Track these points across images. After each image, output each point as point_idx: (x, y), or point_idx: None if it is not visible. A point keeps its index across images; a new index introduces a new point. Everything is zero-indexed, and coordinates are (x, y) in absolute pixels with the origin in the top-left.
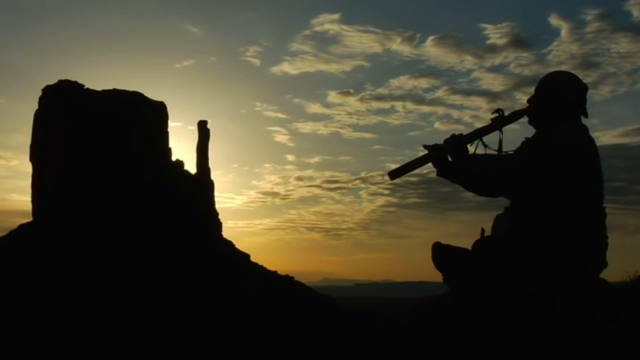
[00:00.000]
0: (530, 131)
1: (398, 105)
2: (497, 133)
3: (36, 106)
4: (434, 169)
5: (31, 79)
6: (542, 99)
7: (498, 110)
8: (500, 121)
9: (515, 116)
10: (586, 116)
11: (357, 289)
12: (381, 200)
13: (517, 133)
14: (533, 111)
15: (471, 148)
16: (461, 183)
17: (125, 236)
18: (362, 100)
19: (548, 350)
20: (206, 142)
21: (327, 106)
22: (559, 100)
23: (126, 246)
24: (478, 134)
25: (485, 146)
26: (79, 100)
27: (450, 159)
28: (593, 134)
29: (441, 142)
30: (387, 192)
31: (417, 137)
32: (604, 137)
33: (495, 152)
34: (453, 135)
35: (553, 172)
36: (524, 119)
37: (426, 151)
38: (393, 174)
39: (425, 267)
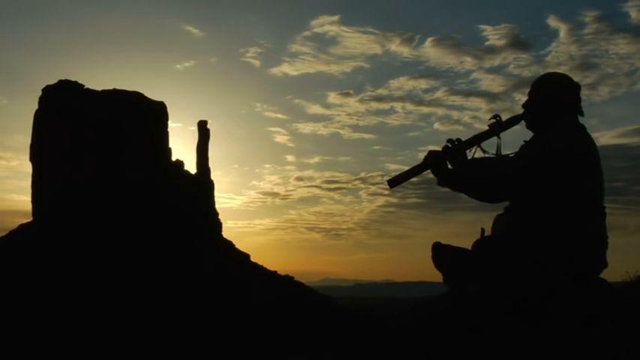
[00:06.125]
0: (529, 134)
1: (397, 106)
2: (495, 138)
3: (36, 106)
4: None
5: (31, 79)
6: (537, 102)
7: (495, 116)
8: (498, 126)
9: (512, 122)
10: (582, 115)
11: (357, 289)
12: (380, 200)
13: (517, 135)
14: (530, 115)
15: (469, 154)
16: (462, 189)
17: (125, 236)
18: (362, 100)
19: (548, 350)
20: (206, 142)
21: (327, 106)
22: (554, 100)
23: (125, 246)
24: (476, 140)
25: (484, 151)
26: (79, 100)
27: (449, 166)
28: (593, 134)
29: (440, 142)
30: (386, 192)
31: (417, 138)
32: (603, 138)
33: (494, 157)
34: (450, 140)
35: (551, 171)
36: (523, 123)
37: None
38: (393, 182)
39: (425, 267)
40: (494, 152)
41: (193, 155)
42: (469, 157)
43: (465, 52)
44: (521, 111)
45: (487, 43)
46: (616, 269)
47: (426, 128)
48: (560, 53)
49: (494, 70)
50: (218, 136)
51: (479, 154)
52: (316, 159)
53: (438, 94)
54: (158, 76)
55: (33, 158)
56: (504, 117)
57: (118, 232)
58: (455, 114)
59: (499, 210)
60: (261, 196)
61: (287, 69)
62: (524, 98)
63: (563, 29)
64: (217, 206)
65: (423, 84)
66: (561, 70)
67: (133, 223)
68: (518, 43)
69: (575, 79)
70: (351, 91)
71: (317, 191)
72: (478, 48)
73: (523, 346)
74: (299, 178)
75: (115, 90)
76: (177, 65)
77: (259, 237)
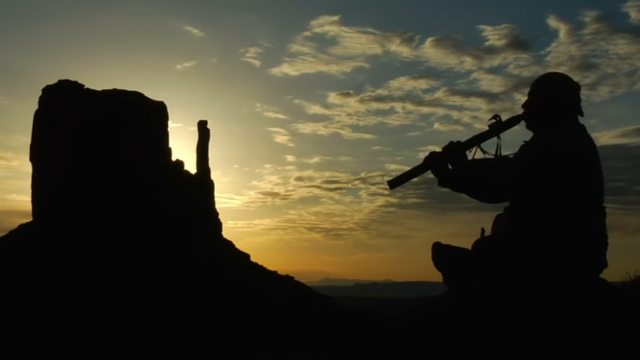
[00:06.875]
0: (529, 134)
1: (397, 106)
2: (495, 138)
3: (36, 106)
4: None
5: (31, 79)
6: (537, 102)
7: (495, 116)
8: (498, 126)
9: (512, 122)
10: (582, 115)
11: (357, 289)
12: (380, 200)
13: (517, 135)
14: (530, 115)
15: (469, 155)
16: (463, 190)
17: (125, 236)
18: (362, 101)
19: (548, 350)
20: (206, 142)
21: (327, 106)
22: (554, 101)
23: (125, 246)
24: (476, 140)
25: (484, 152)
26: (79, 100)
27: (449, 167)
28: (592, 135)
29: (440, 142)
30: (386, 192)
31: (417, 138)
32: (603, 138)
33: (494, 157)
34: (451, 142)
35: (552, 171)
36: (523, 123)
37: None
38: (393, 183)
39: (425, 267)
40: (494, 152)
41: (193, 155)
42: (469, 158)
43: (465, 52)
44: (521, 111)
45: (487, 43)
46: (616, 269)
47: (426, 128)
48: (560, 53)
49: (494, 70)
50: (218, 136)
51: (479, 154)
52: (316, 159)
53: (438, 94)
54: (158, 76)
55: (33, 158)
56: (504, 117)
57: (118, 232)
58: (455, 114)
59: (499, 210)
60: (261, 196)
61: (287, 69)
62: (524, 98)
63: (563, 29)
64: (217, 206)
65: (423, 84)
66: (561, 70)
67: (132, 223)
68: (518, 43)
69: (575, 79)
70: (351, 91)
71: (317, 191)
72: (478, 48)
73: (523, 346)
74: (299, 178)
75: (115, 90)
76: (177, 65)
77: (259, 237)
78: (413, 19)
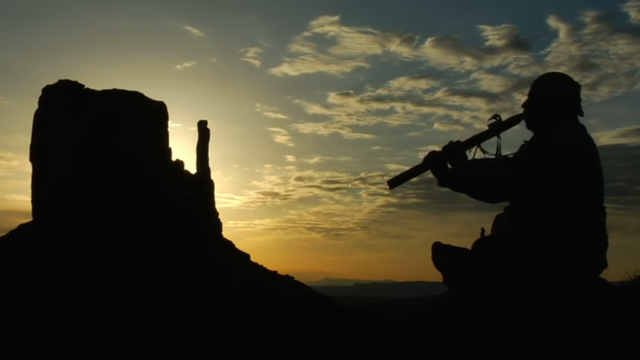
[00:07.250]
0: (529, 134)
1: (397, 106)
2: (495, 138)
3: (36, 106)
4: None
5: (31, 79)
6: (538, 102)
7: (495, 116)
8: (498, 126)
9: (512, 121)
10: (581, 115)
11: (357, 289)
12: (380, 200)
13: (517, 135)
14: (530, 115)
15: (469, 155)
16: (463, 190)
17: (125, 236)
18: (362, 101)
19: (549, 350)
20: (206, 142)
21: (327, 107)
22: (555, 101)
23: (126, 246)
24: (476, 140)
25: (484, 152)
26: (79, 100)
27: (449, 166)
28: (592, 135)
29: (440, 142)
30: (386, 192)
31: (417, 138)
32: (603, 138)
33: (494, 157)
34: (451, 142)
35: (552, 172)
36: (523, 123)
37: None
38: (393, 183)
39: (425, 267)
40: (494, 152)
41: (193, 155)
42: (469, 158)
43: (465, 52)
44: (521, 111)
45: (487, 43)
46: (616, 269)
47: (426, 128)
48: (560, 53)
49: (494, 70)
50: (218, 136)
51: (479, 154)
52: (316, 159)
53: (438, 94)
54: (158, 76)
55: (33, 158)
56: (504, 117)
57: (118, 232)
58: (455, 114)
59: (499, 210)
60: (261, 196)
61: (287, 69)
62: (524, 98)
63: (563, 29)
64: (217, 206)
65: (423, 84)
66: (561, 70)
67: (132, 223)
68: (518, 43)
69: (575, 79)
70: (351, 91)
71: (317, 191)
72: (478, 48)
73: (523, 346)
74: (299, 178)
75: (115, 90)
76: (177, 65)
77: (259, 237)
78: (413, 19)
